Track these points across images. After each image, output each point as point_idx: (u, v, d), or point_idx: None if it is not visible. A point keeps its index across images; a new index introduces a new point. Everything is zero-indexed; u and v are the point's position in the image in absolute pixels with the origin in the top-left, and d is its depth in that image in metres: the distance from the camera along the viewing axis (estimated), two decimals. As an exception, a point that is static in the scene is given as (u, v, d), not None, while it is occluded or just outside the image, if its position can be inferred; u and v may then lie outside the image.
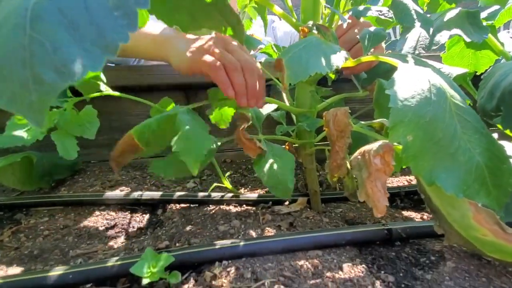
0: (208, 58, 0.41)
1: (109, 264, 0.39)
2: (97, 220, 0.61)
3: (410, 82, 0.33)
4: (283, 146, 0.59)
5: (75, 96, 0.55)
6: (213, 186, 0.65)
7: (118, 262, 0.39)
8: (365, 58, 0.43)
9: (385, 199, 0.33)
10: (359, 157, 0.36)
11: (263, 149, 0.46)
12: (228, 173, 0.64)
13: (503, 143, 0.35)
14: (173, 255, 0.39)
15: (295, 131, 0.61)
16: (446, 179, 0.31)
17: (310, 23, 0.43)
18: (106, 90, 0.56)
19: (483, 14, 0.60)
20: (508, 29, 0.75)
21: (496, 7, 0.57)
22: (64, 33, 0.18)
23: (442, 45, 0.62)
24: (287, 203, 0.59)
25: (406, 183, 0.66)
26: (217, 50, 0.42)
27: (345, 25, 0.46)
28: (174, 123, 0.41)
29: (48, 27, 0.17)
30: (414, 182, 0.64)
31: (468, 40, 0.50)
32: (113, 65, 0.89)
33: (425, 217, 0.51)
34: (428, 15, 0.49)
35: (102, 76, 0.54)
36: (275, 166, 0.48)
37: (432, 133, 0.32)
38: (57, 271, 0.37)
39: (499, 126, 0.59)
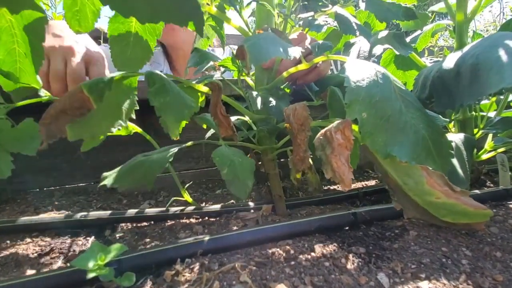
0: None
1: (45, 275, 0.32)
2: (28, 247, 0.51)
3: (360, 69, 0.37)
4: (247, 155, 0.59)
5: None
6: (171, 201, 0.60)
7: (58, 272, 0.32)
8: (317, 59, 0.48)
9: (350, 172, 0.34)
10: (321, 137, 0.37)
11: (234, 131, 0.45)
12: (188, 184, 0.61)
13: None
14: (126, 257, 0.34)
15: (256, 138, 0.61)
16: (399, 150, 0.34)
17: (265, 26, 0.47)
18: (45, 95, 0.50)
19: (407, 40, 0.72)
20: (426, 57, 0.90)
21: (416, 33, 0.69)
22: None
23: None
24: (252, 211, 0.57)
25: (361, 186, 0.69)
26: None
27: (297, 29, 0.51)
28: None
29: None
30: (369, 184, 0.67)
31: (397, 53, 0.58)
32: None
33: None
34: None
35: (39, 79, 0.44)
36: (236, 163, 0.47)
37: (382, 111, 0.35)
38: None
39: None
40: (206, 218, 0.56)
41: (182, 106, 0.35)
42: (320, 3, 0.50)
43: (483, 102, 0.66)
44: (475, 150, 0.60)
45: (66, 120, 0.33)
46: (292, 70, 0.51)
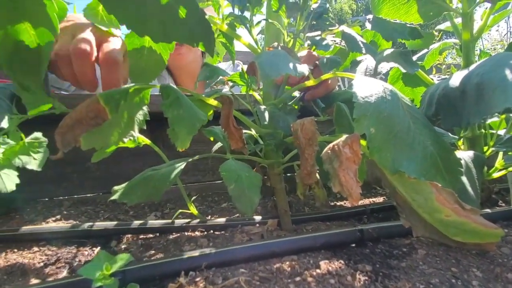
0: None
1: (49, 284, 0.32)
2: (35, 256, 0.51)
3: (368, 85, 0.38)
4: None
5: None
6: (177, 213, 0.60)
7: (63, 281, 0.32)
8: (325, 76, 0.48)
9: (358, 187, 0.34)
10: (329, 151, 0.38)
11: (245, 144, 0.45)
12: (194, 197, 0.61)
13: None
14: (130, 269, 0.34)
15: (263, 152, 0.62)
16: (408, 166, 0.34)
17: (275, 44, 0.48)
18: (59, 107, 0.51)
19: (414, 58, 0.72)
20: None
21: (424, 51, 0.70)
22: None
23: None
24: (257, 225, 0.57)
25: (369, 203, 0.68)
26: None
27: (305, 48, 0.52)
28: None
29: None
30: (377, 201, 0.66)
31: (404, 71, 0.59)
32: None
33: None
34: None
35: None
36: (243, 178, 0.47)
37: (391, 126, 0.36)
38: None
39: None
40: (211, 231, 0.56)
41: (194, 119, 0.36)
42: (327, 23, 0.51)
43: (493, 119, 0.65)
44: (486, 168, 0.59)
45: (82, 130, 0.34)
46: (300, 86, 0.52)
